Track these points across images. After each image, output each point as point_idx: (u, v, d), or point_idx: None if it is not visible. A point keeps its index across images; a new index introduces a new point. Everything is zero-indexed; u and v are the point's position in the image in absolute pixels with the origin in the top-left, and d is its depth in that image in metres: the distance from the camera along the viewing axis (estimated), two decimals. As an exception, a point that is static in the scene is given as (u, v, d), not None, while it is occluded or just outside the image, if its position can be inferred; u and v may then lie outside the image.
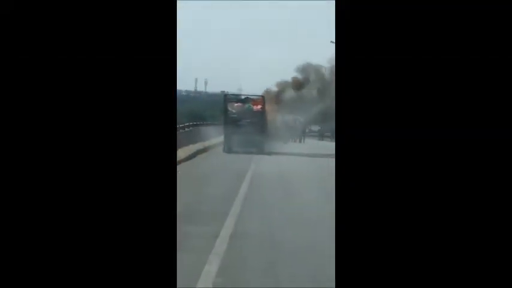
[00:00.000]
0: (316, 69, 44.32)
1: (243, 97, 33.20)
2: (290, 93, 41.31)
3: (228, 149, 30.65)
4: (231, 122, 31.13)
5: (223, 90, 62.30)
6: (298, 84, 41.64)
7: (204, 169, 21.48)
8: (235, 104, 32.02)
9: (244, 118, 31.26)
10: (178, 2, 4.63)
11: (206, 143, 31.25)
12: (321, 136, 47.65)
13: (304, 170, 21.83)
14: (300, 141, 40.04)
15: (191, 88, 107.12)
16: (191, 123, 30.02)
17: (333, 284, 4.27)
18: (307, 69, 43.37)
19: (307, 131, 43.73)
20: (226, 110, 31.70)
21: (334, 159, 4.51)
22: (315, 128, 48.80)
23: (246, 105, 31.87)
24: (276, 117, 34.77)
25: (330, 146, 32.59)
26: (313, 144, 31.26)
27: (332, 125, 36.53)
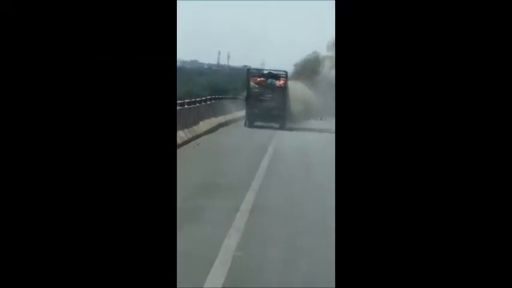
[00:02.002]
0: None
1: (265, 72, 33.15)
2: (314, 70, 41.08)
3: (250, 124, 30.68)
4: (253, 97, 31.13)
5: (245, 64, 62.19)
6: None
7: (226, 142, 21.51)
8: (258, 79, 31.98)
9: (266, 93, 31.26)
10: (178, 2, 4.64)
11: (228, 117, 31.25)
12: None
13: (323, 144, 21.77)
14: (321, 119, 39.99)
15: (213, 61, 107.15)
16: (213, 96, 29.96)
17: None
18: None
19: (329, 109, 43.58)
20: (248, 85, 31.68)
21: None
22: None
23: (269, 80, 31.82)
24: (298, 94, 34.63)
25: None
26: (333, 122, 31.31)
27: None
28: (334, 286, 4.17)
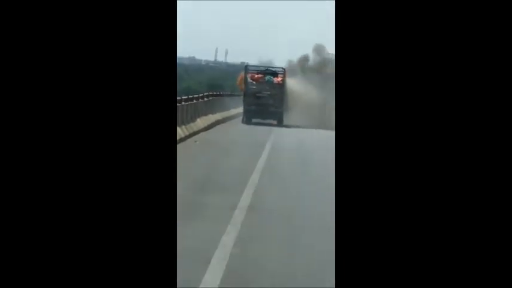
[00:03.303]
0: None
1: (263, 69, 33.13)
2: (311, 69, 40.94)
3: (247, 120, 30.68)
4: (250, 94, 31.12)
5: (243, 61, 62.18)
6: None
7: (224, 139, 21.50)
8: (256, 76, 31.97)
9: (264, 90, 31.24)
10: (178, 2, 4.66)
11: (225, 114, 31.24)
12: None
13: (320, 141, 21.79)
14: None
15: (211, 58, 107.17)
16: (210, 92, 29.94)
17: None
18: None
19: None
20: (246, 81, 31.67)
21: None
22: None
23: (266, 77, 31.81)
24: (295, 91, 34.59)
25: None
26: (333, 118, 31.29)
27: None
28: (334, 286, 4.18)
